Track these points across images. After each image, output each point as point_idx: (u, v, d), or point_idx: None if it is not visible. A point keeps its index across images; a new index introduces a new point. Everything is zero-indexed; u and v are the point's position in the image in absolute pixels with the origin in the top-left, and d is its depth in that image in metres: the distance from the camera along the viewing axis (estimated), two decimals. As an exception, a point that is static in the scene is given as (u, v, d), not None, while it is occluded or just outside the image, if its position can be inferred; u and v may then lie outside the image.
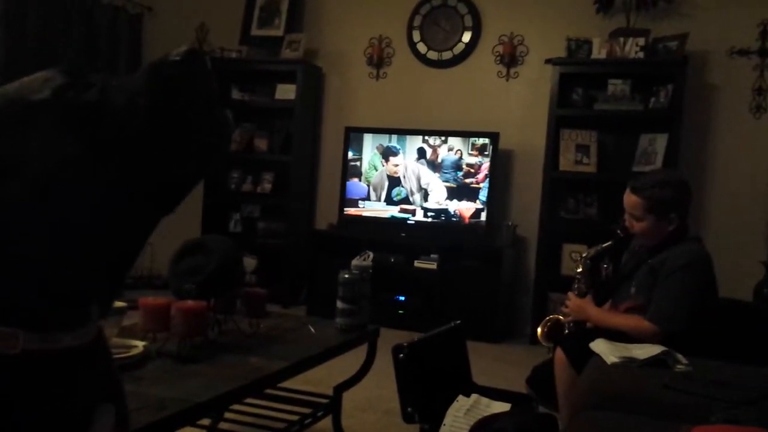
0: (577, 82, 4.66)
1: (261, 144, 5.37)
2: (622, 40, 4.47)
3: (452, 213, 4.83)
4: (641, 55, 4.42)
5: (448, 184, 4.85)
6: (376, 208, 5.03)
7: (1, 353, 0.76)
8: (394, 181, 4.96)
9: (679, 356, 2.16)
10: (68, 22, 4.94)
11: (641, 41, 4.43)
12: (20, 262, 0.75)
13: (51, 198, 0.74)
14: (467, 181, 4.80)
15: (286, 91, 5.27)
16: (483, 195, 4.75)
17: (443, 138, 4.87)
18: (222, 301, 2.14)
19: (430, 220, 4.88)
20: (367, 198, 5.05)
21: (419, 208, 4.91)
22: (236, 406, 2.24)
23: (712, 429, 1.32)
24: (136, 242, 0.83)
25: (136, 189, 0.78)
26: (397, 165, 4.95)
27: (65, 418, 0.80)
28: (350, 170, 5.09)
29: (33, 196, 0.73)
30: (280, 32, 5.34)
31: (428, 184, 4.89)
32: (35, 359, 0.78)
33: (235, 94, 5.38)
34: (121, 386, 0.92)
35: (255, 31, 5.42)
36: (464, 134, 4.84)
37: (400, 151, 4.98)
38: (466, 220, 4.79)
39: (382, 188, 5.02)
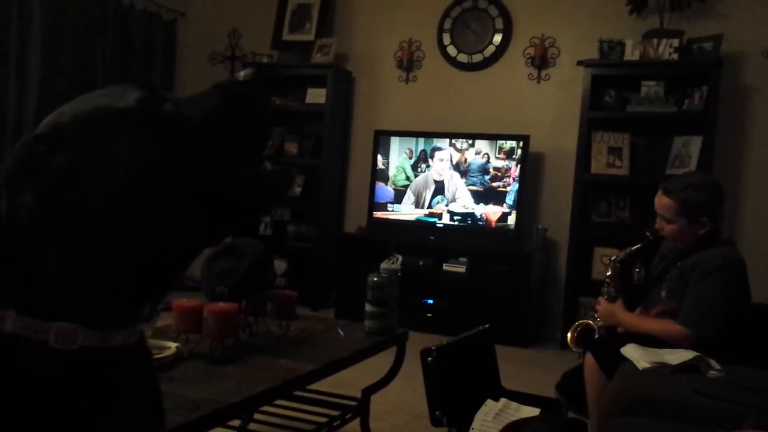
0: (609, 84, 4.61)
1: (291, 148, 5.42)
2: (655, 41, 4.42)
3: (479, 217, 4.82)
4: (675, 56, 4.36)
5: (474, 188, 4.83)
6: (405, 212, 5.04)
7: (60, 348, 0.79)
8: (439, 186, 4.94)
9: (712, 362, 2.13)
10: (104, 29, 5.05)
11: (675, 42, 4.37)
12: (91, 261, 0.78)
13: (131, 201, 0.78)
14: (494, 184, 4.78)
15: (317, 96, 5.32)
16: (510, 198, 4.73)
17: (470, 141, 4.86)
18: (253, 304, 2.17)
19: (457, 223, 4.87)
20: (397, 201, 5.06)
21: (445, 211, 4.91)
22: (265, 407, 2.26)
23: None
24: (194, 250, 0.87)
25: (204, 199, 0.83)
26: (442, 160, 4.91)
27: (112, 412, 0.83)
28: (379, 174, 5.11)
29: (115, 197, 0.77)
30: (311, 37, 5.39)
31: (456, 188, 4.89)
32: (91, 356, 0.81)
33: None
34: (158, 385, 0.96)
35: (286, 36, 5.48)
36: (495, 137, 4.83)
37: (442, 149, 4.95)
38: (493, 224, 4.78)
39: (424, 192, 4.99)
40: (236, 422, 2.36)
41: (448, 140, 4.93)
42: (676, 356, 2.15)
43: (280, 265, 5.00)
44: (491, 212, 4.79)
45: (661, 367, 2.10)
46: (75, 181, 0.76)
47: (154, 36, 5.50)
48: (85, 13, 4.87)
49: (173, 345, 1.88)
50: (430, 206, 4.97)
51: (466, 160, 4.87)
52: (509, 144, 4.76)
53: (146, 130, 0.79)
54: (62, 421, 0.79)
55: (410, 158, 5.04)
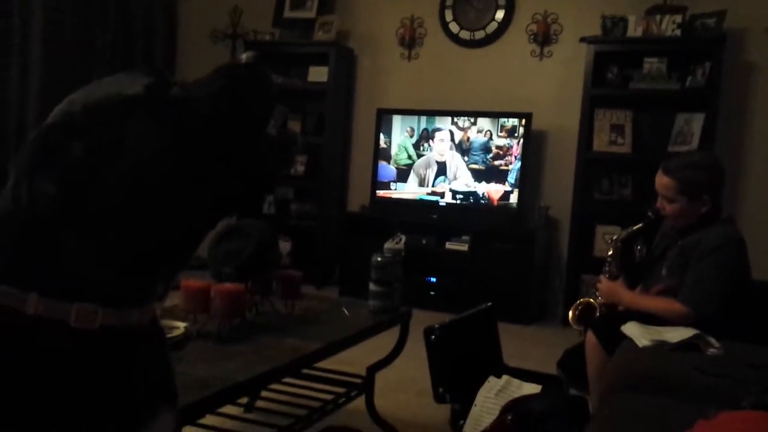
0: (612, 61, 4.59)
1: (294, 126, 5.41)
2: (658, 17, 4.40)
3: (481, 195, 4.83)
4: (678, 32, 4.34)
5: (476, 167, 4.84)
6: (407, 191, 5.05)
7: (81, 328, 0.82)
8: (441, 167, 4.95)
9: (712, 339, 2.16)
10: (105, 9, 5.03)
11: (678, 18, 4.35)
12: (107, 242, 0.81)
13: (145, 184, 0.80)
14: (496, 163, 4.79)
15: (319, 74, 5.31)
16: (512, 177, 4.74)
17: (472, 120, 4.85)
18: (259, 284, 2.20)
19: (459, 202, 4.89)
20: (400, 180, 5.07)
21: (447, 190, 4.92)
22: (272, 385, 2.30)
23: (738, 414, 1.33)
24: (206, 228, 0.90)
25: (215, 180, 0.85)
26: (442, 140, 4.92)
27: (130, 390, 0.87)
28: (381, 152, 5.11)
29: (129, 182, 0.80)
30: (312, 14, 5.36)
31: (457, 167, 4.90)
32: (109, 334, 0.84)
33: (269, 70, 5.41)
34: (171, 364, 0.99)
35: (287, 14, 5.45)
36: (497, 115, 4.83)
37: (442, 129, 4.95)
38: (495, 203, 4.80)
39: (426, 171, 5.01)
40: (244, 399, 2.40)
41: (449, 119, 4.93)
42: (676, 334, 2.18)
43: (284, 246, 5.03)
44: (493, 191, 4.80)
45: (660, 345, 2.13)
46: (92, 168, 0.79)
47: (155, 15, 5.48)
48: (85, -6, 4.85)
49: (182, 325, 1.91)
50: (432, 185, 4.98)
51: (468, 138, 4.87)
52: (511, 122, 4.76)
53: (156, 114, 0.82)
54: (83, 398, 0.82)
55: (411, 137, 5.04)
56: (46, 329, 0.80)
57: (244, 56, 0.90)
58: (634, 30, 4.45)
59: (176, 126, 0.82)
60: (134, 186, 0.80)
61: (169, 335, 1.83)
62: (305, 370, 2.39)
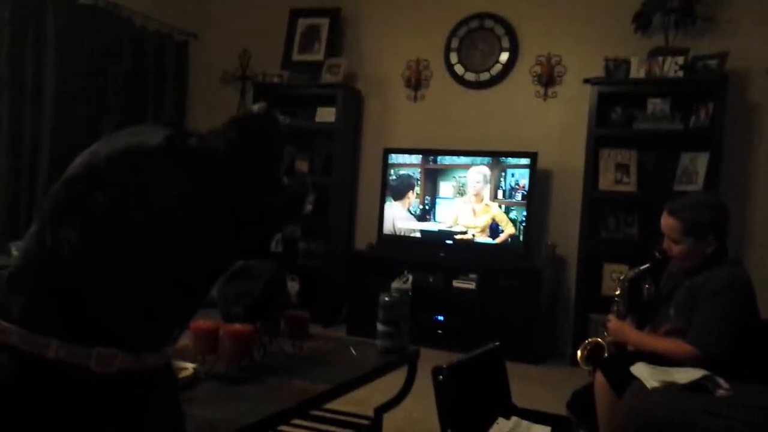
0: (616, 102, 4.65)
1: (302, 166, 5.48)
2: (660, 59, 4.46)
3: (488, 233, 4.86)
4: (680, 73, 4.40)
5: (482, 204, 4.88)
6: (414, 228, 5.08)
7: (100, 372, 0.84)
8: (444, 208, 5.01)
9: (721, 380, 2.15)
10: (117, 51, 5.14)
11: (680, 60, 4.41)
12: (132, 290, 0.84)
13: (166, 231, 0.83)
14: (505, 201, 4.83)
15: (327, 114, 5.39)
16: (520, 215, 4.77)
17: (485, 159, 4.91)
18: (267, 324, 2.22)
19: (467, 238, 4.91)
20: (407, 218, 5.11)
21: (456, 227, 4.95)
22: (280, 426, 2.30)
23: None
24: (220, 273, 0.94)
25: (229, 227, 0.89)
26: (448, 189, 5.00)
27: (140, 428, 0.88)
28: (390, 191, 5.16)
29: (151, 229, 0.83)
30: (320, 57, 5.47)
31: (467, 206, 4.94)
32: (128, 378, 0.86)
33: (280, 116, 5.49)
34: (182, 406, 1.00)
35: (296, 57, 5.56)
36: (502, 154, 4.88)
37: (448, 179, 5.02)
38: (502, 240, 4.81)
39: (434, 209, 5.06)
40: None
41: (460, 158, 4.99)
42: (685, 375, 2.17)
43: (293, 286, 5.04)
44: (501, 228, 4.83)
45: (670, 386, 2.12)
46: (115, 217, 0.82)
47: (167, 57, 5.60)
48: (98, 36, 4.96)
49: (191, 366, 1.92)
50: (439, 222, 5.01)
51: (482, 179, 4.92)
52: (520, 161, 4.81)
53: (177, 164, 0.85)
54: None
55: (420, 177, 5.09)
56: (66, 373, 0.83)
57: (256, 107, 0.95)
58: (637, 71, 4.52)
59: (195, 174, 0.85)
60: (156, 233, 0.83)
61: (179, 376, 1.84)
62: (313, 411, 2.38)
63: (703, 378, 2.14)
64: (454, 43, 5.24)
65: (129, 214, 0.82)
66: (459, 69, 5.23)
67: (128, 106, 5.24)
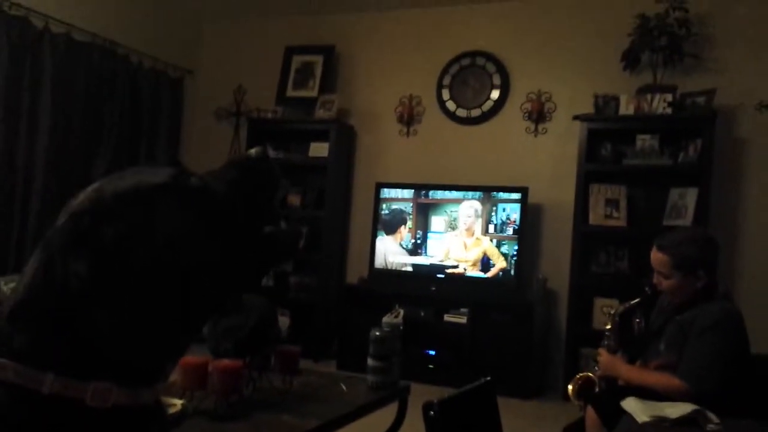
0: (605, 138, 4.71)
1: (294, 200, 5.51)
2: (649, 96, 4.54)
3: (480, 267, 4.87)
4: (669, 110, 4.47)
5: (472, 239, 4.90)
6: (406, 262, 5.09)
7: (95, 406, 0.85)
8: (435, 242, 5.03)
9: (711, 415, 2.15)
10: (112, 87, 5.19)
11: (668, 97, 4.49)
12: (136, 324, 0.86)
13: (173, 266, 0.86)
14: (496, 235, 4.85)
15: (320, 149, 5.43)
16: (512, 249, 4.79)
17: (474, 195, 4.95)
18: (257, 359, 2.21)
19: (458, 272, 4.92)
20: (398, 253, 5.12)
21: (447, 261, 4.96)
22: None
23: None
24: (212, 311, 0.96)
25: (231, 264, 0.92)
26: (440, 224, 5.03)
27: None
28: (382, 225, 5.18)
29: (156, 263, 0.85)
30: (314, 93, 5.53)
31: (456, 240, 4.96)
32: (121, 413, 0.87)
33: (271, 153, 5.54)
34: None
35: (290, 93, 5.63)
36: (494, 189, 4.92)
37: (440, 213, 5.06)
38: (493, 275, 4.82)
39: (425, 243, 5.08)
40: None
41: (452, 192, 5.02)
42: (676, 410, 2.17)
43: (284, 321, 5.02)
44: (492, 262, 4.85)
45: (660, 421, 2.12)
46: (123, 252, 0.84)
47: (162, 93, 5.65)
48: (94, 72, 5.01)
49: (179, 402, 1.91)
50: (430, 257, 5.03)
51: (474, 213, 4.95)
52: (510, 196, 4.85)
53: (181, 202, 0.88)
54: None
55: (411, 211, 5.12)
56: (61, 407, 0.83)
57: (252, 151, 0.99)
58: (626, 108, 4.59)
59: (199, 212, 0.89)
60: (162, 268, 0.85)
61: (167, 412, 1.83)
62: (302, 448, 2.36)
63: (694, 412, 2.14)
64: (446, 80, 5.32)
65: (136, 249, 0.85)
66: (451, 105, 5.30)
67: (123, 141, 5.27)
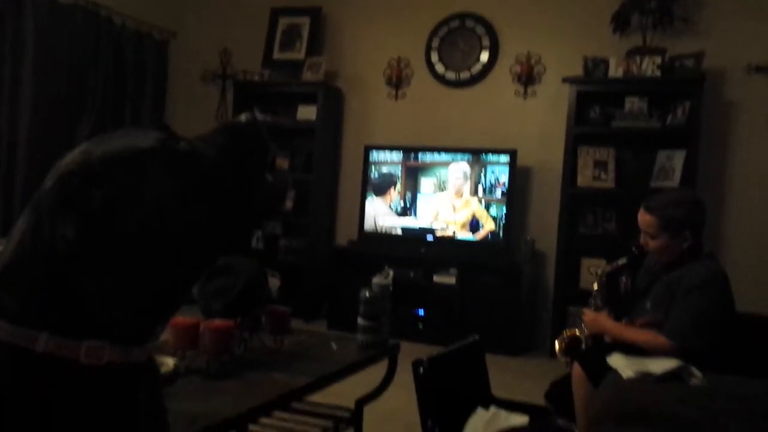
0: (594, 100, 4.71)
1: (283, 163, 5.48)
2: (638, 58, 4.53)
3: (469, 229, 4.90)
4: (658, 73, 4.47)
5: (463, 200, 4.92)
6: (395, 224, 5.11)
7: (89, 364, 0.86)
8: (425, 204, 5.04)
9: (694, 370, 2.20)
10: (96, 50, 5.11)
11: (658, 60, 4.48)
12: (124, 285, 0.87)
13: (158, 228, 0.86)
14: (485, 197, 4.87)
15: (307, 112, 5.39)
16: (500, 211, 4.81)
17: (462, 156, 4.94)
18: (248, 320, 2.22)
19: (447, 234, 4.94)
20: (387, 215, 5.13)
21: (437, 224, 4.99)
22: (261, 420, 2.31)
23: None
24: (201, 271, 0.96)
25: (218, 226, 0.93)
26: (428, 186, 5.03)
27: (122, 422, 0.90)
28: (372, 187, 5.18)
29: (144, 226, 0.85)
30: (301, 56, 5.47)
31: (447, 201, 4.97)
32: (114, 370, 0.88)
33: (258, 116, 5.48)
34: (164, 400, 1.02)
35: (277, 55, 5.56)
36: (483, 151, 4.91)
37: (429, 176, 5.05)
38: (482, 237, 4.85)
39: (414, 205, 5.09)
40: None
41: (441, 155, 5.02)
42: (660, 365, 2.21)
43: (274, 283, 5.03)
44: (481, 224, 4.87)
45: (645, 376, 2.16)
46: (111, 214, 0.84)
47: (146, 56, 5.57)
48: (78, 35, 4.93)
49: (171, 361, 1.92)
50: (420, 219, 5.04)
51: (463, 175, 4.95)
52: (499, 158, 4.85)
53: (170, 166, 0.89)
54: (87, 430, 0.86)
55: (401, 173, 5.11)
56: (55, 365, 0.84)
57: (242, 117, 1.00)
58: (616, 71, 4.58)
59: (187, 176, 0.89)
60: (149, 230, 0.86)
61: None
62: (294, 404, 2.40)
63: (678, 368, 2.19)
64: (435, 42, 5.27)
65: (124, 211, 0.85)
66: (440, 68, 5.26)
67: (107, 104, 5.21)
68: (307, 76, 5.41)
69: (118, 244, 0.84)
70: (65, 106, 4.88)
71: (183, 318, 2.02)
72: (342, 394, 2.59)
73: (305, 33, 5.50)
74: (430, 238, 4.99)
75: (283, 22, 5.58)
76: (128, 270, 0.86)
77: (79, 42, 4.95)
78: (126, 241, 0.85)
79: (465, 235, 4.91)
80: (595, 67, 4.66)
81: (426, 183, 5.05)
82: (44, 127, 4.69)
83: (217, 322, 2.01)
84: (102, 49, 5.15)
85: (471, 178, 4.91)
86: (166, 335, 2.04)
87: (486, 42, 5.13)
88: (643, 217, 2.54)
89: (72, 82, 4.92)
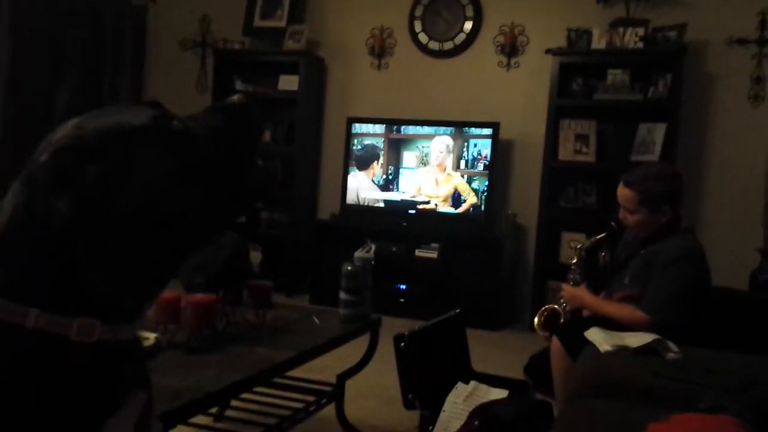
0: (577, 72, 4.70)
1: (265, 135, 5.42)
2: (621, 30, 4.52)
3: (451, 202, 4.91)
4: (640, 45, 4.47)
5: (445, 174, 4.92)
6: (377, 197, 5.10)
7: (80, 341, 0.86)
8: (407, 178, 5.03)
9: (671, 344, 2.23)
10: (73, 15, 4.99)
11: (640, 31, 4.47)
12: (118, 262, 0.86)
13: (152, 205, 0.86)
14: (467, 171, 4.88)
15: (289, 82, 5.33)
16: (482, 185, 4.82)
17: (442, 129, 4.93)
18: (230, 294, 2.22)
19: (429, 207, 4.95)
20: (370, 188, 5.12)
21: (418, 197, 4.99)
22: (243, 394, 2.32)
23: (688, 416, 1.39)
24: (190, 252, 0.97)
25: (211, 207, 0.93)
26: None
27: (109, 398, 0.91)
28: (355, 160, 5.15)
29: (138, 203, 0.85)
30: (282, 24, 5.38)
31: (428, 175, 4.97)
32: (104, 348, 0.88)
33: (239, 86, 5.43)
34: (149, 376, 1.03)
35: (257, 23, 5.47)
36: (465, 124, 4.90)
37: (411, 149, 5.04)
38: (464, 210, 4.87)
39: (397, 179, 5.08)
40: (214, 409, 2.41)
41: (424, 128, 5.00)
42: (637, 339, 2.25)
43: (256, 256, 5.02)
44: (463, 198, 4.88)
45: (622, 350, 2.20)
46: (105, 191, 0.84)
47: (124, 22, 5.45)
48: (53, 0, 4.80)
49: (152, 335, 1.92)
50: (402, 192, 5.04)
51: (446, 149, 4.94)
52: (479, 131, 4.84)
53: (162, 143, 0.89)
54: (79, 409, 0.87)
55: (383, 146, 5.09)
56: (45, 342, 0.84)
57: (235, 98, 0.99)
58: (598, 42, 4.57)
59: (179, 154, 0.89)
60: (142, 208, 0.86)
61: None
62: (276, 379, 2.41)
63: (654, 342, 2.22)
64: (418, 11, 5.21)
65: (118, 187, 0.85)
66: (423, 38, 5.21)
67: (85, 71, 5.11)
68: (289, 44, 5.34)
69: (112, 219, 0.85)
70: (43, 73, 4.78)
71: (164, 292, 2.01)
72: (324, 369, 2.61)
73: (287, 0, 5.40)
74: (412, 211, 5.00)
75: (264, -12, 5.48)
76: (121, 246, 0.86)
77: (55, 7, 4.82)
78: (120, 217, 0.85)
79: (447, 208, 4.92)
80: (578, 38, 4.64)
81: (409, 156, 5.04)
82: (22, 92, 4.60)
83: (199, 297, 2.00)
84: (78, 14, 5.03)
85: (453, 152, 4.90)
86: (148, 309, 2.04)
87: (470, 12, 5.08)
88: (622, 192, 2.56)
89: (48, 46, 4.81)
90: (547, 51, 4.68)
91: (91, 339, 0.86)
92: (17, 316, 0.83)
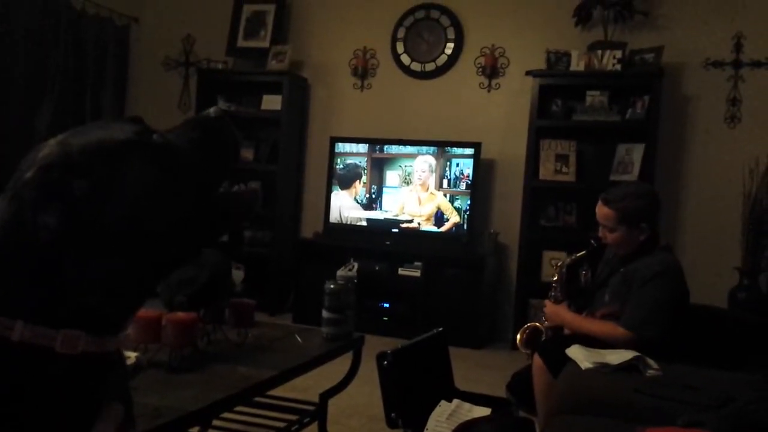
0: (556, 94, 4.77)
1: (247, 154, 5.43)
2: (599, 52, 4.60)
3: (434, 221, 4.93)
4: (618, 67, 4.54)
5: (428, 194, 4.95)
6: (360, 216, 5.12)
7: (64, 353, 0.86)
8: (390, 197, 5.06)
9: (651, 361, 2.26)
10: (56, 33, 4.99)
11: (618, 54, 4.55)
12: (105, 275, 0.88)
13: (137, 219, 0.88)
14: (450, 190, 4.91)
15: (272, 102, 5.35)
16: (465, 204, 4.86)
17: (424, 149, 4.97)
18: (211, 312, 2.21)
19: (412, 226, 4.97)
20: (353, 207, 5.13)
21: (401, 216, 5.01)
22: (225, 414, 2.30)
23: (665, 431, 1.40)
24: (174, 264, 0.99)
25: (191, 221, 0.95)
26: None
27: (92, 409, 0.91)
28: (337, 179, 5.17)
29: (124, 216, 0.87)
30: (266, 44, 5.41)
31: (411, 194, 4.99)
32: (88, 360, 0.89)
33: (222, 105, 5.44)
34: (130, 391, 1.03)
35: (241, 43, 5.49)
36: (448, 144, 4.94)
37: (394, 168, 5.07)
38: (447, 229, 4.89)
39: (380, 198, 5.10)
40: (195, 429, 2.38)
41: (407, 147, 5.04)
42: (617, 356, 2.27)
43: (238, 275, 5.01)
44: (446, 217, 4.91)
45: (602, 367, 2.22)
46: (90, 205, 0.86)
47: (107, 42, 5.45)
48: (36, 19, 4.80)
49: (132, 354, 1.90)
50: (385, 211, 5.06)
51: (428, 168, 4.98)
52: (461, 151, 4.89)
53: (146, 157, 0.91)
54: (62, 420, 0.87)
55: (366, 165, 5.12)
56: (30, 355, 0.85)
57: (212, 111, 1.01)
58: (577, 64, 4.64)
59: (162, 167, 0.91)
60: (128, 219, 0.87)
61: (122, 364, 1.83)
62: (258, 398, 2.39)
63: (634, 359, 2.24)
64: (401, 33, 5.27)
65: (103, 203, 0.86)
66: (405, 59, 5.27)
67: (67, 91, 5.09)
68: (272, 65, 5.37)
69: (99, 232, 0.86)
70: (24, 92, 4.76)
71: (145, 310, 2.00)
72: (306, 388, 2.60)
73: (270, 21, 5.44)
74: (395, 230, 5.01)
75: (248, 9, 5.51)
76: (107, 260, 0.87)
77: (38, 26, 4.82)
78: (106, 230, 0.86)
79: (430, 227, 4.94)
80: (557, 60, 4.72)
81: (391, 175, 5.06)
82: (2, 112, 4.57)
83: (180, 315, 1.99)
84: (61, 33, 5.03)
85: (436, 171, 4.93)
86: (128, 328, 2.02)
87: (451, 34, 5.15)
88: (601, 210, 2.60)
89: (30, 67, 4.80)
90: (527, 73, 4.75)
91: (76, 351, 0.87)
92: (3, 328, 0.84)
